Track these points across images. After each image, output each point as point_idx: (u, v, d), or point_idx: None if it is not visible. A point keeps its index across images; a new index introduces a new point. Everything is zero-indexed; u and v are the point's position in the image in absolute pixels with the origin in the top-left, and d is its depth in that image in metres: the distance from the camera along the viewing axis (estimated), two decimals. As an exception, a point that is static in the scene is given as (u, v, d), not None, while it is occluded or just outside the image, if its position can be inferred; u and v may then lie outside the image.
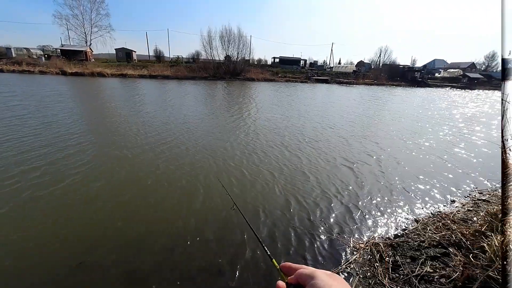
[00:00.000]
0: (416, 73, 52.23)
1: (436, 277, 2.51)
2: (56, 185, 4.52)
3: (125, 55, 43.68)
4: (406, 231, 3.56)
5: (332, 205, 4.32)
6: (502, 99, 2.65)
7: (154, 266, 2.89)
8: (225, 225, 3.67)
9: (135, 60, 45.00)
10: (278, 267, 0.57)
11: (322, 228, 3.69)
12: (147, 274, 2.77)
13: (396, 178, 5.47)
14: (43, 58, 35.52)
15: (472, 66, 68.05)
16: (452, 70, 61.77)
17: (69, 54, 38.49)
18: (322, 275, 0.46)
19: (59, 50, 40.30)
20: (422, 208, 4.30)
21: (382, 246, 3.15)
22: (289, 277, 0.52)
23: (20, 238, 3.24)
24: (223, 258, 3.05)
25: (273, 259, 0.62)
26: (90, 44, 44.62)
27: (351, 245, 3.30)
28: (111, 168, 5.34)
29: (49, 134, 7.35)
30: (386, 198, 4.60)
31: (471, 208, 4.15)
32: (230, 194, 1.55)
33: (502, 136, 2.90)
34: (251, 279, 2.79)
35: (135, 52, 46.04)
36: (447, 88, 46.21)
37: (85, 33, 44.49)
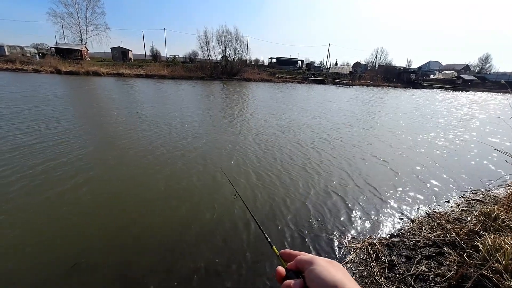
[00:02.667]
0: (411, 74, 52.79)
1: (431, 276, 2.54)
2: (52, 185, 4.46)
3: (121, 54, 43.28)
4: (401, 231, 3.59)
5: (328, 205, 4.33)
6: None
7: (150, 265, 2.86)
8: (226, 219, 3.70)
9: (131, 59, 44.64)
10: (278, 254, 0.58)
11: (318, 227, 3.70)
12: (143, 274, 2.75)
13: (391, 179, 5.51)
14: (37, 56, 35.03)
15: (466, 68, 69.07)
16: (446, 72, 62.70)
17: (64, 53, 38.04)
18: (321, 261, 0.47)
19: (53, 48, 39.79)
20: (417, 208, 4.34)
21: (378, 245, 3.18)
22: (288, 263, 0.53)
23: (14, 239, 3.19)
24: (226, 245, 3.09)
25: (273, 246, 0.62)
26: (86, 42, 44.19)
27: (348, 244, 3.32)
28: (107, 167, 5.29)
29: (46, 133, 7.25)
30: (381, 198, 4.64)
31: (465, 208, 4.21)
32: (233, 184, 1.56)
33: None
34: (251, 265, 2.86)
35: (131, 51, 45.65)
36: (442, 90, 46.82)
37: (80, 31, 44.10)
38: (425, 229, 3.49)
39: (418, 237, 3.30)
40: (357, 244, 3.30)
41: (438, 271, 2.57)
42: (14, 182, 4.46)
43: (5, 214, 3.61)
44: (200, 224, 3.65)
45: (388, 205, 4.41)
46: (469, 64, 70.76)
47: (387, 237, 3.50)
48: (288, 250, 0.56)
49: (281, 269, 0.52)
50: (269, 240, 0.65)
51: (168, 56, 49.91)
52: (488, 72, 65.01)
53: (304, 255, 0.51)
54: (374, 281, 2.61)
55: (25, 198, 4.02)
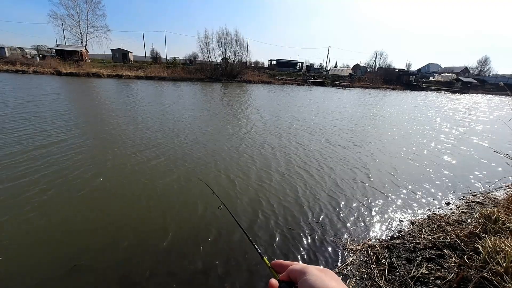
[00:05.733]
0: (411, 76, 52.92)
1: (432, 278, 2.53)
2: (52, 186, 4.46)
3: (121, 55, 43.37)
4: (401, 233, 3.58)
5: (327, 207, 4.33)
6: None
7: (148, 269, 2.85)
8: (217, 226, 3.65)
9: (131, 61, 44.72)
10: (269, 265, 0.56)
11: (318, 230, 3.69)
12: (142, 277, 2.74)
13: (391, 181, 5.51)
14: (37, 58, 35.09)
15: (466, 70, 69.33)
16: (446, 74, 62.81)
17: (64, 54, 38.08)
18: (314, 270, 0.46)
19: (54, 50, 39.86)
20: (417, 210, 4.33)
21: (378, 248, 3.17)
22: (281, 275, 0.52)
23: (14, 239, 3.18)
24: (215, 259, 3.04)
25: (264, 257, 0.61)
26: (86, 44, 44.25)
27: (348, 247, 3.30)
28: (107, 170, 5.29)
29: (46, 131, 7.25)
30: (381, 201, 4.63)
31: (465, 210, 4.20)
32: (219, 194, 1.54)
33: None
34: (244, 279, 2.79)
35: (131, 53, 45.76)
36: (442, 92, 46.93)
37: (80, 33, 44.14)
38: (425, 231, 3.48)
39: (418, 239, 3.29)
40: (357, 247, 3.29)
41: (439, 274, 2.56)
42: (14, 183, 4.45)
43: (4, 215, 3.60)
44: (194, 230, 3.64)
45: (388, 207, 4.40)
46: (468, 67, 71.02)
47: (387, 239, 3.49)
48: (279, 261, 0.55)
49: (273, 281, 0.50)
50: (259, 251, 0.64)
51: (168, 57, 50.10)
52: (487, 75, 65.22)
53: (296, 265, 0.50)
54: (375, 283, 2.60)
55: (24, 199, 4.01)
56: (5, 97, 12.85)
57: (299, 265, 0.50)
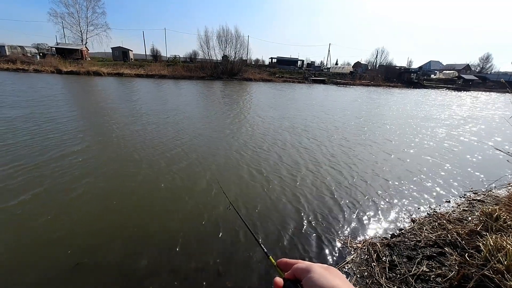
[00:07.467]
0: (412, 74, 52.70)
1: (432, 276, 2.53)
2: (53, 185, 4.47)
3: (121, 54, 43.34)
4: (402, 231, 3.58)
5: (328, 205, 4.33)
6: None
7: (151, 267, 2.87)
8: (222, 225, 3.65)
9: (131, 59, 44.67)
10: (275, 264, 0.57)
11: (318, 228, 3.69)
12: (144, 275, 2.75)
13: (392, 179, 5.50)
14: (38, 56, 35.09)
15: (467, 67, 68.89)
16: (447, 71, 62.56)
17: (64, 53, 38.04)
18: (318, 268, 0.46)
19: (54, 48, 39.83)
20: (418, 208, 4.33)
21: (379, 245, 3.17)
22: (286, 273, 0.52)
23: (16, 238, 3.20)
24: (220, 257, 3.05)
25: (270, 256, 0.61)
26: (86, 42, 44.21)
27: (348, 245, 3.31)
28: (109, 169, 5.30)
29: (44, 130, 7.27)
30: (382, 198, 4.63)
31: (466, 208, 4.20)
32: (227, 194, 1.53)
33: None
34: (249, 277, 2.80)
35: (131, 51, 45.71)
36: (443, 89, 46.74)
37: (81, 31, 44.11)
38: (426, 229, 3.48)
39: (419, 237, 3.29)
40: (358, 245, 3.30)
41: (439, 272, 2.56)
42: (14, 183, 4.46)
43: (6, 214, 3.62)
44: (199, 229, 3.65)
45: (389, 205, 4.40)
46: (469, 64, 70.59)
47: (388, 237, 3.49)
48: (285, 259, 0.56)
49: (278, 279, 0.51)
50: (265, 250, 0.65)
51: (168, 56, 50.10)
52: (489, 72, 64.85)
53: (301, 263, 0.50)
54: (375, 281, 2.60)
55: (26, 198, 4.03)
56: (23, 97, 12.88)
57: (303, 263, 0.50)
